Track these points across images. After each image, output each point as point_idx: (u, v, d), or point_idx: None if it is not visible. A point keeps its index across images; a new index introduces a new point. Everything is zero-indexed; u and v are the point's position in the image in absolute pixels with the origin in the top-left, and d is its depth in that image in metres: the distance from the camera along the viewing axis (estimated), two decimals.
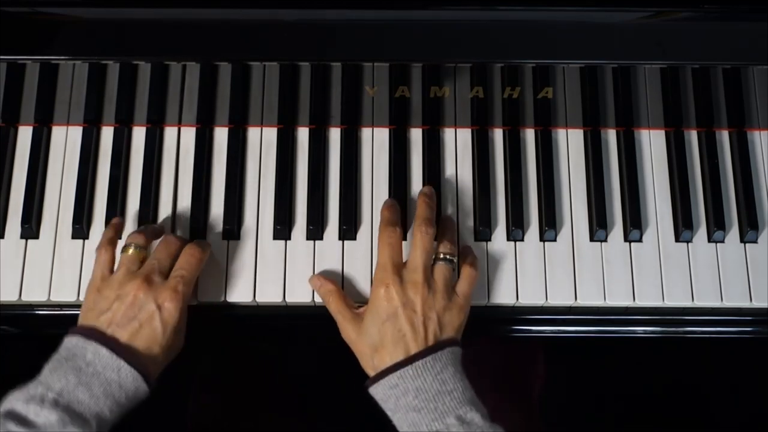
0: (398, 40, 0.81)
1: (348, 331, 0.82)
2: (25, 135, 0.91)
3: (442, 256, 0.82)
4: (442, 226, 0.87)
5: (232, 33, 0.81)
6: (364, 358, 0.80)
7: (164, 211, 0.89)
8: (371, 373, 0.79)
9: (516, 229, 0.89)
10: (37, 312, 0.88)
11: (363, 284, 0.87)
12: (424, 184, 0.90)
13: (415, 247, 0.81)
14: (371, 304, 0.80)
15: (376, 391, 0.77)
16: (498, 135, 0.93)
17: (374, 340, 0.79)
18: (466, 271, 0.84)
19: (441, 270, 0.81)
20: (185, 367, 1.12)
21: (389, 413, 0.77)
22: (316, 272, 0.87)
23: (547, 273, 0.88)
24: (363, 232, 0.89)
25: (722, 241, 0.90)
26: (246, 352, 1.14)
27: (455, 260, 0.83)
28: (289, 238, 0.88)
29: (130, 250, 0.81)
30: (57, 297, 0.86)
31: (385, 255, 0.81)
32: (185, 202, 0.89)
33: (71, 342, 0.76)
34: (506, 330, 0.92)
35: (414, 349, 0.77)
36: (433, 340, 0.78)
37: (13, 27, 0.79)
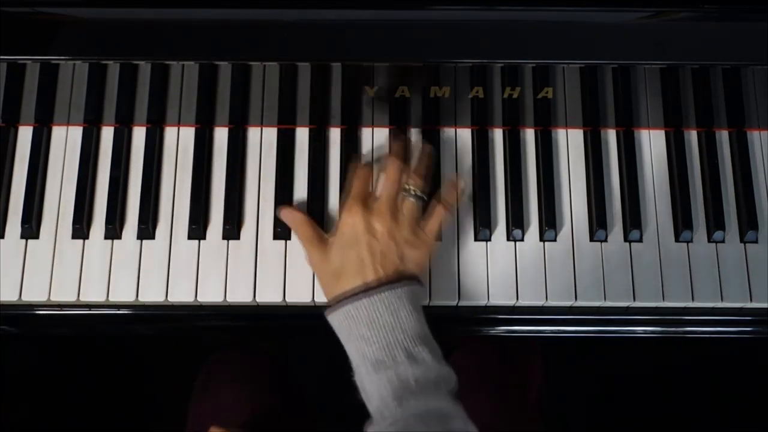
0: (398, 40, 0.81)
1: (314, 257, 0.83)
2: (25, 135, 0.91)
3: (410, 190, 0.83)
4: (419, 158, 0.88)
5: (232, 33, 0.81)
6: (325, 286, 0.82)
7: (164, 211, 0.89)
8: (330, 300, 0.80)
9: (516, 229, 0.89)
10: (37, 312, 0.88)
11: None
12: None
13: (386, 178, 0.83)
14: (337, 231, 0.81)
15: (333, 318, 0.78)
16: (498, 135, 0.93)
17: (336, 266, 0.80)
18: (437, 209, 0.84)
19: (407, 204, 0.82)
20: (185, 368, 1.12)
21: (342, 341, 0.78)
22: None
23: (547, 273, 0.88)
24: None
25: (722, 241, 0.90)
26: (246, 352, 1.14)
27: (424, 197, 0.84)
28: (289, 238, 0.88)
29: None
30: (57, 297, 0.86)
31: (354, 186, 0.83)
32: (185, 202, 0.89)
33: None
34: (506, 330, 0.92)
35: (372, 279, 0.78)
36: (392, 271, 0.78)
37: (13, 27, 0.79)
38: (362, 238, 0.79)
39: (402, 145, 0.88)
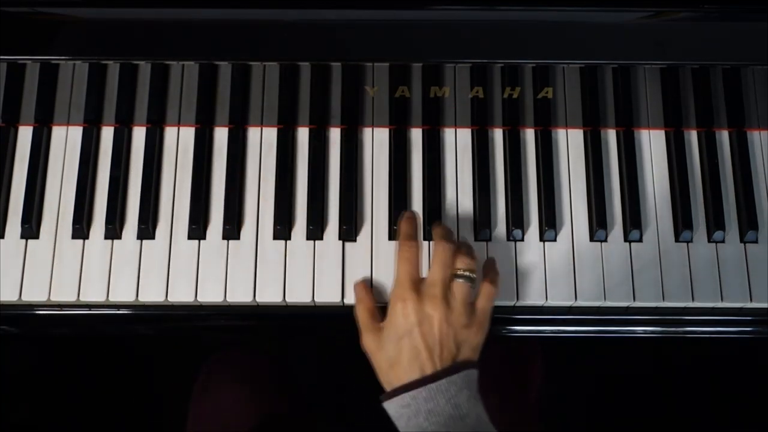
0: (398, 40, 0.81)
1: (368, 342, 0.81)
2: (25, 135, 0.91)
3: (460, 272, 0.80)
4: (462, 241, 0.86)
5: (232, 33, 0.81)
6: (380, 372, 0.80)
7: (164, 211, 0.89)
8: (386, 387, 0.78)
9: (516, 229, 0.89)
10: (37, 312, 0.88)
11: None
12: (424, 184, 0.90)
13: (435, 261, 0.80)
14: (389, 320, 0.79)
15: (389, 407, 0.77)
16: (498, 135, 0.93)
17: (390, 355, 0.78)
18: (486, 288, 0.82)
19: (459, 287, 0.80)
20: (185, 368, 1.12)
21: (400, 430, 0.76)
22: (316, 272, 0.87)
23: (547, 273, 0.88)
24: (363, 232, 0.89)
25: (722, 241, 0.90)
26: (246, 352, 1.14)
27: (474, 277, 0.81)
28: (289, 238, 0.88)
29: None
30: (57, 297, 0.86)
31: (402, 270, 0.80)
32: (185, 202, 0.89)
33: None
34: (506, 330, 0.92)
35: (429, 369, 0.76)
36: (449, 359, 0.77)
37: (13, 27, 0.79)
38: (416, 328, 0.77)
39: (443, 225, 0.85)
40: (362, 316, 0.82)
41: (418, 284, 0.79)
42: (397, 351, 0.77)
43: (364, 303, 0.83)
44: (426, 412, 0.74)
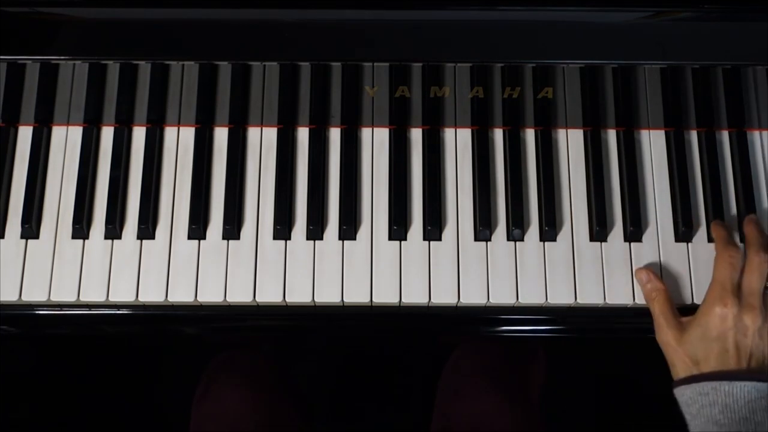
0: (398, 40, 0.81)
1: (667, 336, 0.82)
2: (25, 135, 0.91)
3: None
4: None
5: (232, 33, 0.81)
6: (678, 365, 0.81)
7: (164, 211, 0.89)
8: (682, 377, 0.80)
9: (516, 229, 0.89)
10: (37, 312, 0.88)
11: (363, 284, 0.87)
12: (424, 184, 0.90)
13: (752, 271, 0.80)
14: (702, 319, 0.80)
15: (683, 392, 0.78)
16: (498, 135, 0.93)
17: (696, 353, 0.79)
18: None
19: None
20: (186, 369, 1.12)
21: (688, 416, 0.77)
22: (316, 272, 0.87)
23: (547, 273, 0.88)
24: (363, 232, 0.89)
25: None
26: (246, 353, 1.14)
27: None
28: (289, 238, 0.88)
29: None
30: (57, 297, 0.86)
31: (724, 273, 0.81)
32: (185, 202, 0.89)
33: None
34: (506, 330, 0.92)
35: (734, 369, 0.77)
36: (756, 369, 0.78)
37: (13, 27, 0.79)
38: (730, 333, 0.78)
39: (757, 231, 0.85)
40: (663, 308, 0.83)
41: (737, 290, 0.80)
42: (706, 351, 0.79)
43: (662, 294, 0.83)
44: (722, 406, 0.75)
